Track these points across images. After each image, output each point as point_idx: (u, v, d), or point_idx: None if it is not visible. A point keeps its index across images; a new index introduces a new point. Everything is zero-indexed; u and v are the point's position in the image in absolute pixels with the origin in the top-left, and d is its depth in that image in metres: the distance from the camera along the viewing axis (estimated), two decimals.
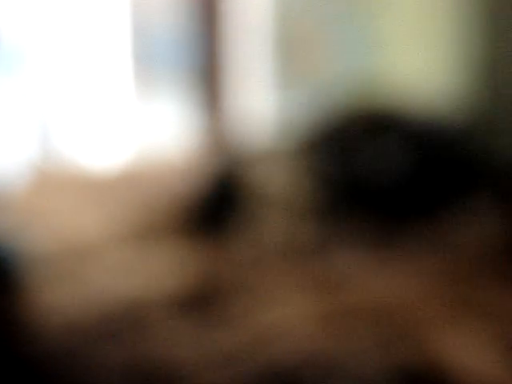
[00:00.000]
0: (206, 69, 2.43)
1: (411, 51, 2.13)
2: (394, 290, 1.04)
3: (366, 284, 1.06)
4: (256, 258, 1.20)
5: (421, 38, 2.12)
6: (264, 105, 2.18)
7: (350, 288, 1.06)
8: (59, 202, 1.64)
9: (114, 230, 1.44)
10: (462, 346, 0.90)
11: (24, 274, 1.23)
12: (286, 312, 1.05)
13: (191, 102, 2.32)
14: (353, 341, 0.92)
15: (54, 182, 1.80)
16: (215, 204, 1.41)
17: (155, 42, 2.69)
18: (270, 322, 1.03)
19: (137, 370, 0.99)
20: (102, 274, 1.24)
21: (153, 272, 1.19)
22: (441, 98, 1.44)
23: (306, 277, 1.11)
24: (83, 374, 1.02)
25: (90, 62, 2.70)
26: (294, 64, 2.51)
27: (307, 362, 0.89)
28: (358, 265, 1.13)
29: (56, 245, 1.39)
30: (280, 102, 2.18)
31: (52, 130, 2.53)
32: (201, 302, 1.10)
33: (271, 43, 2.44)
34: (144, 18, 2.70)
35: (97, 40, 2.72)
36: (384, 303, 1.01)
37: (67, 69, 2.70)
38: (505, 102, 1.61)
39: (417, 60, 2.10)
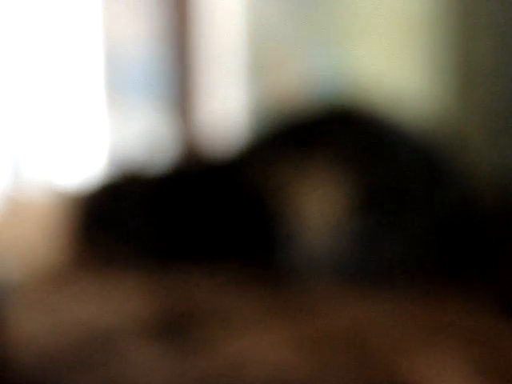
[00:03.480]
0: (178, 90, 2.44)
1: (383, 66, 2.16)
2: (365, 316, 1.06)
3: (339, 310, 1.07)
4: (228, 282, 1.21)
5: (395, 57, 2.14)
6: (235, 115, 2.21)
7: (323, 314, 1.06)
8: (30, 231, 1.64)
9: (83, 257, 1.46)
10: (431, 368, 0.91)
11: None
12: (258, 337, 1.05)
13: (163, 122, 2.35)
14: (325, 365, 0.93)
15: (25, 211, 1.79)
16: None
17: (127, 65, 2.70)
18: (242, 347, 1.02)
19: None
20: (72, 302, 1.24)
21: (122, 299, 1.18)
22: (413, 107, 1.42)
23: (278, 302, 1.12)
24: None
25: (61, 87, 2.72)
26: (266, 84, 2.54)
27: None
28: (330, 291, 1.14)
29: (27, 274, 1.37)
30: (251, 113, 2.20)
31: (22, 158, 2.54)
32: (171, 328, 1.10)
33: (243, 66, 2.46)
34: (116, 43, 2.71)
35: (69, 63, 2.74)
36: (356, 329, 1.02)
37: (37, 94, 2.71)
38: (472, 111, 1.65)
39: (389, 74, 2.13)
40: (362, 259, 1.27)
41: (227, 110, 2.32)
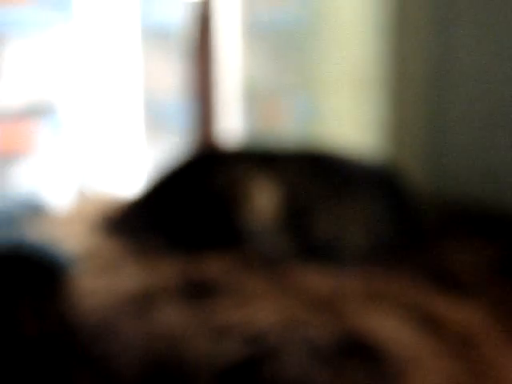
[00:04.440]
0: (198, 123, 2.44)
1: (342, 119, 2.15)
2: (334, 288, 1.05)
3: (314, 284, 1.07)
4: (240, 265, 1.19)
5: (347, 107, 2.13)
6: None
7: (304, 287, 1.06)
8: (89, 225, 1.60)
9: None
10: (379, 322, 0.93)
11: (66, 270, 1.21)
12: (258, 304, 1.04)
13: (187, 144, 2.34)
14: (304, 322, 0.95)
15: (86, 209, 1.76)
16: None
17: (161, 104, 2.69)
18: (246, 309, 1.02)
19: (149, 338, 0.99)
20: (120, 275, 1.23)
21: (158, 273, 1.18)
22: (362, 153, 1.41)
23: (272, 279, 1.11)
24: (110, 343, 1.03)
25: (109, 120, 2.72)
26: (257, 117, 2.54)
27: (274, 334, 0.91)
28: (309, 270, 1.12)
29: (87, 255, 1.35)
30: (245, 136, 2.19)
31: (86, 166, 2.53)
32: (192, 293, 1.10)
33: (241, 105, 2.46)
34: (153, 91, 2.71)
35: (115, 104, 2.74)
36: (326, 297, 1.03)
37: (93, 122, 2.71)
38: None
39: (345, 125, 2.12)
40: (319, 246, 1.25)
41: (230, 135, 2.31)
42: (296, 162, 1.34)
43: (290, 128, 2.22)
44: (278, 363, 0.86)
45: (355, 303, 1.00)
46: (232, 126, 2.41)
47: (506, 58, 1.44)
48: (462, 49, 1.52)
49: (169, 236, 1.38)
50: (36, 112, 2.59)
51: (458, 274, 1.10)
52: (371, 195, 1.28)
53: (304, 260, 1.20)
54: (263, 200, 1.27)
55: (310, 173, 1.31)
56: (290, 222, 1.25)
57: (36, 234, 1.45)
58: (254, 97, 2.51)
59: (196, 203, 1.37)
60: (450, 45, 1.55)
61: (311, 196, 1.27)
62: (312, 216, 1.25)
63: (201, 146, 2.32)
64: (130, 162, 1.50)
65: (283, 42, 2.48)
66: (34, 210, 1.35)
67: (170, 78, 2.75)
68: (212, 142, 2.33)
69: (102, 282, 1.20)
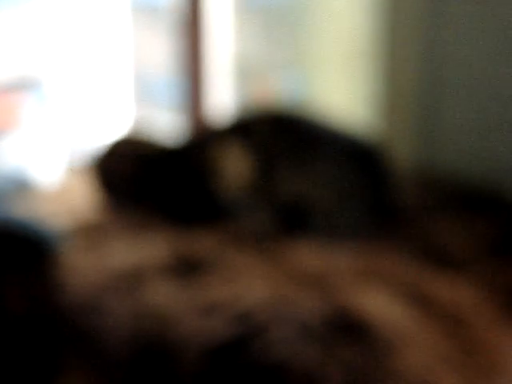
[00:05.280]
0: (188, 96, 2.43)
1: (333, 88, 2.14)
2: (324, 264, 1.05)
3: (305, 261, 1.07)
4: (231, 240, 1.18)
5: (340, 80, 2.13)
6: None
7: (293, 264, 1.06)
8: (78, 196, 1.59)
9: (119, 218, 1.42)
10: (373, 300, 0.93)
11: (54, 247, 1.19)
12: (251, 278, 1.05)
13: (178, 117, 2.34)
14: (295, 298, 0.95)
15: (76, 179, 1.75)
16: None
17: (151, 78, 2.68)
18: (236, 284, 1.03)
19: (137, 315, 0.99)
20: (110, 248, 1.23)
21: (149, 248, 1.18)
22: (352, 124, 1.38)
23: (263, 258, 1.10)
24: (99, 320, 1.03)
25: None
26: (248, 92, 2.53)
27: (263, 311, 0.91)
28: (299, 244, 1.12)
29: (77, 227, 1.36)
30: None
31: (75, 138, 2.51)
32: (183, 269, 1.09)
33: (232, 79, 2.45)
34: (143, 64, 2.69)
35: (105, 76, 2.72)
36: (317, 272, 1.03)
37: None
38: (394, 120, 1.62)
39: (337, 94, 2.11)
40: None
41: (220, 109, 2.30)
42: (268, 125, 1.31)
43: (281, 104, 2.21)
44: (266, 340, 0.86)
45: (345, 280, 0.99)
46: (222, 101, 2.40)
47: (502, 32, 1.44)
48: (457, 23, 1.51)
49: (157, 211, 1.37)
50: (22, 86, 2.57)
51: (448, 251, 1.10)
52: (344, 163, 1.25)
53: (288, 234, 1.19)
54: (236, 169, 1.26)
55: (281, 136, 1.28)
56: (261, 187, 1.25)
57: (23, 210, 1.45)
58: (244, 72, 2.50)
59: (179, 179, 1.37)
60: (445, 18, 1.54)
61: (280, 160, 1.25)
62: (279, 179, 1.24)
63: (191, 120, 2.31)
64: (118, 137, 1.48)
65: (274, 17, 2.47)
66: (20, 186, 1.33)
67: (160, 52, 2.74)
68: (201, 118, 2.32)
69: (91, 259, 1.19)
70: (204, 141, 1.39)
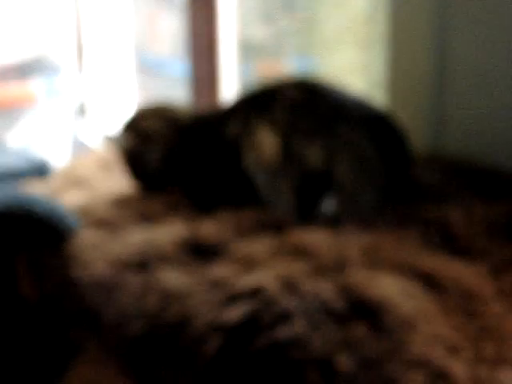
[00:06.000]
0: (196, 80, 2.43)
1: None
2: (336, 248, 1.05)
3: (318, 245, 1.07)
4: (245, 226, 1.18)
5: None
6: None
7: (305, 249, 1.06)
8: (91, 172, 1.62)
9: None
10: (385, 281, 0.94)
11: (71, 227, 1.21)
12: (256, 246, 1.08)
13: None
14: (308, 280, 0.95)
15: (88, 159, 1.75)
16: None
17: (159, 58, 2.67)
18: (247, 254, 1.05)
19: (151, 299, 0.99)
20: (123, 230, 1.24)
21: (162, 231, 1.18)
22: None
23: (277, 244, 1.10)
24: (116, 294, 1.04)
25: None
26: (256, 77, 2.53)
27: (276, 294, 0.91)
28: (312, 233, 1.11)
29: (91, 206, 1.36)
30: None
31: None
32: (195, 250, 1.11)
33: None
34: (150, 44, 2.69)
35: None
36: (329, 257, 1.03)
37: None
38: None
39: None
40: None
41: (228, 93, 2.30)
42: (293, 89, 1.29)
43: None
44: (280, 323, 0.86)
45: (358, 263, 1.00)
46: (231, 84, 2.40)
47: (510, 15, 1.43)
48: (468, 10, 1.51)
49: (185, 191, 1.38)
50: (32, 68, 2.58)
51: (459, 233, 1.09)
52: (369, 130, 1.24)
53: (306, 218, 1.19)
54: (266, 145, 1.25)
55: (306, 101, 1.26)
56: (286, 162, 1.23)
57: (38, 190, 1.45)
58: (253, 56, 2.50)
59: (212, 154, 1.36)
60: (455, 4, 1.53)
61: (305, 127, 1.23)
62: (306, 148, 1.22)
63: (198, 101, 2.31)
64: (126, 118, 1.48)
65: (281, 0, 2.46)
66: (35, 165, 1.34)
67: (167, 32, 2.74)
68: (213, 98, 2.32)
69: (104, 240, 1.20)
70: (229, 114, 1.36)
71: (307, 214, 1.20)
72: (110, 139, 1.43)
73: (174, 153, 1.40)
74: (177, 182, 1.40)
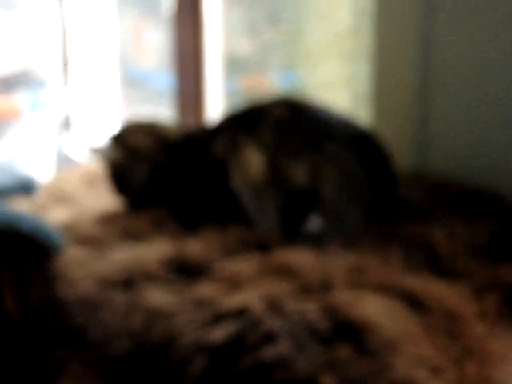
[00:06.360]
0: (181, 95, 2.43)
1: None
2: (321, 269, 1.05)
3: (302, 265, 1.07)
4: (229, 245, 1.19)
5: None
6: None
7: (290, 269, 1.07)
8: (77, 187, 1.62)
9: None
10: (369, 302, 0.94)
11: (57, 245, 1.20)
12: (241, 266, 1.08)
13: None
14: (290, 302, 0.95)
15: (73, 174, 1.75)
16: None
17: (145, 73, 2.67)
18: (232, 274, 1.05)
19: (135, 308, 1.00)
20: (109, 248, 1.23)
21: (149, 251, 1.18)
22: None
23: (262, 264, 1.10)
24: (101, 312, 1.04)
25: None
26: (241, 91, 2.53)
27: (261, 314, 0.92)
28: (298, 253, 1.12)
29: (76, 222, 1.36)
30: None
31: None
32: (181, 269, 1.11)
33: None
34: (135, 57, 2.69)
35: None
36: (314, 278, 1.03)
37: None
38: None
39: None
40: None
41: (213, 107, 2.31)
42: (280, 108, 1.30)
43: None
44: (264, 343, 0.86)
45: (342, 283, 1.00)
46: (216, 98, 2.41)
47: (497, 28, 1.44)
48: (450, 24, 1.52)
49: (171, 207, 1.38)
50: (18, 81, 2.57)
51: (442, 254, 1.10)
52: (353, 148, 1.25)
53: (291, 238, 1.20)
54: (252, 163, 1.26)
55: (293, 119, 1.28)
56: (272, 181, 1.24)
57: (24, 207, 1.45)
58: (238, 70, 2.50)
59: (200, 172, 1.37)
60: (438, 21, 1.54)
61: (291, 149, 1.24)
62: (292, 165, 1.23)
63: (183, 115, 2.32)
64: (113, 132, 1.48)
65: (266, 14, 2.47)
66: (21, 184, 1.33)
67: (153, 46, 2.74)
68: (198, 114, 2.32)
69: (91, 260, 1.19)
70: (216, 132, 1.37)
71: (292, 233, 1.21)
72: (95, 151, 1.43)
73: (160, 169, 1.40)
74: (162, 199, 1.40)
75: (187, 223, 1.30)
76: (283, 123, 1.27)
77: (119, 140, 1.44)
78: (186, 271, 1.09)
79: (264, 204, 1.25)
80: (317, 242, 1.16)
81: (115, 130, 1.47)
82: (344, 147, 1.23)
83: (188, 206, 1.36)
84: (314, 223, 1.19)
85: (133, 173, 1.42)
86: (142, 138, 1.42)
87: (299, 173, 1.21)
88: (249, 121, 1.31)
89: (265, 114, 1.29)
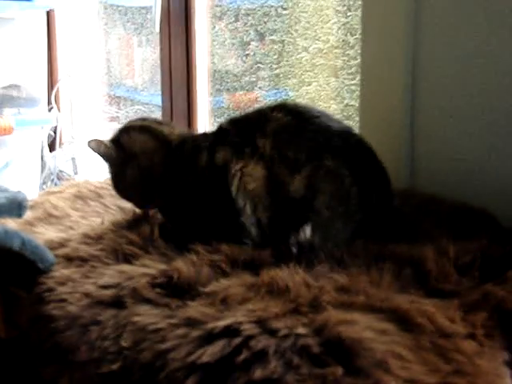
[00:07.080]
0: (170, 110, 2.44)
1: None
2: (311, 286, 1.05)
3: (291, 285, 1.07)
4: (221, 265, 1.18)
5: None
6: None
7: (280, 289, 1.07)
8: (65, 205, 1.60)
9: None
10: (358, 320, 0.94)
11: (46, 264, 1.21)
12: (231, 285, 1.07)
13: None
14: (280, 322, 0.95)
15: (61, 191, 1.74)
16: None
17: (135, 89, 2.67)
18: (222, 294, 1.05)
19: (125, 329, 1.00)
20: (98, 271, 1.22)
21: (137, 271, 1.18)
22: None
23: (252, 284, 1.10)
24: (90, 332, 1.03)
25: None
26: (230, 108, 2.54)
27: (251, 334, 0.91)
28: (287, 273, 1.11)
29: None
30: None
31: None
32: (170, 287, 1.11)
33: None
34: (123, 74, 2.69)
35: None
36: (304, 292, 1.03)
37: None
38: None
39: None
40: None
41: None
42: (279, 111, 1.31)
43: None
44: (255, 363, 0.86)
45: (333, 302, 1.00)
46: (203, 115, 2.41)
47: (483, 45, 1.45)
48: (435, 40, 1.53)
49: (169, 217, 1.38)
50: (5, 99, 2.57)
51: (432, 272, 1.10)
52: (352, 157, 1.26)
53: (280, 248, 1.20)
54: (253, 175, 1.26)
55: (291, 132, 1.28)
56: (269, 190, 1.25)
57: (12, 226, 1.44)
58: (226, 87, 2.51)
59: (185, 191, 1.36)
60: (424, 33, 1.55)
61: (290, 161, 1.24)
62: (290, 175, 1.24)
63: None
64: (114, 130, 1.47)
65: (256, 29, 2.48)
66: (13, 203, 1.33)
67: (141, 63, 2.74)
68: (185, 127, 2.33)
69: (80, 279, 1.19)
70: (217, 137, 1.37)
71: (281, 242, 1.22)
72: (94, 144, 1.42)
73: (158, 170, 1.40)
74: (157, 200, 1.41)
75: (179, 226, 1.31)
76: (284, 131, 1.27)
77: (118, 139, 1.44)
78: (175, 290, 1.09)
79: (258, 211, 1.25)
80: (306, 251, 1.17)
81: (116, 128, 1.47)
82: (343, 163, 1.23)
83: (182, 210, 1.36)
84: (305, 233, 1.19)
85: (129, 171, 1.42)
86: (141, 138, 1.42)
87: (296, 182, 1.21)
88: (250, 128, 1.31)
89: (266, 120, 1.29)
